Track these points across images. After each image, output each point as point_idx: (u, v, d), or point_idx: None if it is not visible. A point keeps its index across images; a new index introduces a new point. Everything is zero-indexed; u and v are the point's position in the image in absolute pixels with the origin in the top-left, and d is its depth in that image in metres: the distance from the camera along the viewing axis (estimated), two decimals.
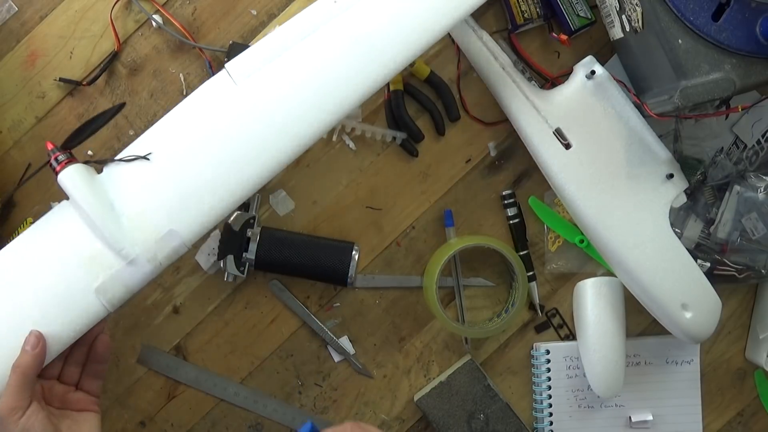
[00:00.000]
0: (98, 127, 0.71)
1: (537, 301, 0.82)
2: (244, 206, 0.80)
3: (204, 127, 0.67)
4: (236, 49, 0.80)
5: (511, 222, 0.82)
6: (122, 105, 0.74)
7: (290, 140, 0.67)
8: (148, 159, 0.67)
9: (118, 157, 0.68)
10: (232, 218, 0.78)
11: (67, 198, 0.67)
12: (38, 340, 0.64)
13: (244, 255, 0.78)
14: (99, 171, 0.68)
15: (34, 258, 0.68)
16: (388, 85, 0.80)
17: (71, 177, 0.66)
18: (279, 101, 0.67)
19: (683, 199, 0.76)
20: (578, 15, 0.79)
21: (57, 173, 0.67)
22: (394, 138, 0.81)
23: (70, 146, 0.69)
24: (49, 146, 0.68)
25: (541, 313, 0.83)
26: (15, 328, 0.65)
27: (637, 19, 0.71)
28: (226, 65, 0.68)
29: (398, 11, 0.67)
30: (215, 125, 0.67)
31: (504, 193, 0.82)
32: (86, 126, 0.71)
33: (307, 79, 0.67)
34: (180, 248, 0.67)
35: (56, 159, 0.67)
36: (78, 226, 0.67)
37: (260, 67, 0.67)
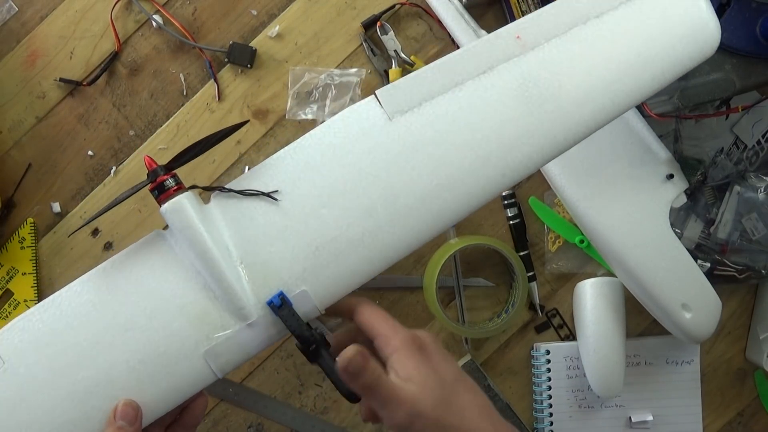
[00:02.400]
0: (210, 146, 0.60)
1: (537, 301, 0.82)
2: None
3: (348, 165, 0.57)
4: (236, 49, 0.80)
5: (511, 222, 0.82)
6: (245, 122, 0.63)
7: (454, 197, 0.56)
8: (275, 198, 0.56)
9: (230, 185, 0.57)
10: None
11: (164, 227, 0.57)
12: (136, 413, 0.54)
13: None
14: (206, 201, 0.58)
15: (125, 306, 0.56)
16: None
17: (179, 210, 0.55)
18: (444, 148, 0.57)
19: (683, 199, 0.76)
20: None
21: (161, 202, 0.56)
22: None
23: (174, 167, 0.58)
24: (151, 164, 0.57)
25: (541, 313, 0.83)
26: (100, 394, 0.55)
27: None
28: (377, 92, 0.58)
29: (603, 58, 0.57)
30: (363, 166, 0.56)
31: (504, 194, 0.82)
32: (198, 145, 0.60)
33: (478, 127, 0.57)
34: (311, 313, 0.56)
35: (162, 184, 0.56)
36: (184, 274, 0.56)
37: (420, 102, 0.57)
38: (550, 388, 0.82)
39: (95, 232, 0.82)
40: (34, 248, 0.81)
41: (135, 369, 0.55)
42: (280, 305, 0.55)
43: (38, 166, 0.82)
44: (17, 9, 0.82)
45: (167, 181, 0.56)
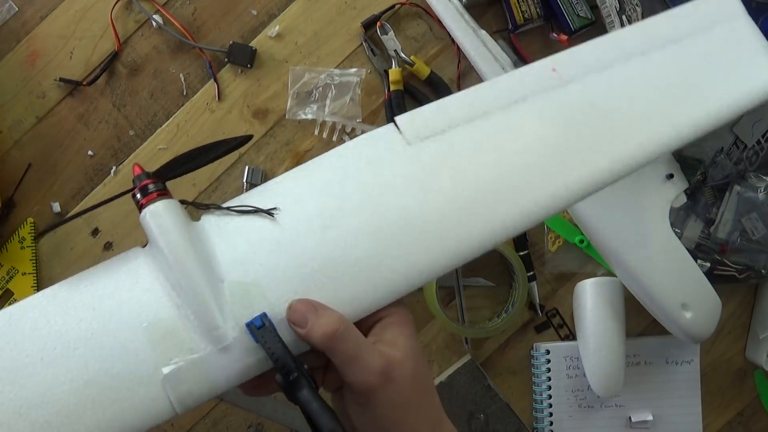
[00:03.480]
0: (209, 161, 0.55)
1: (537, 301, 0.82)
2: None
3: (359, 186, 0.52)
4: (236, 49, 0.80)
5: None
6: (248, 138, 0.57)
7: (470, 228, 0.52)
8: (272, 215, 0.51)
9: (228, 204, 0.52)
10: None
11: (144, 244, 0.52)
12: None
13: None
14: (196, 218, 0.53)
15: (82, 321, 0.49)
16: (388, 85, 0.80)
17: (159, 214, 0.50)
18: (464, 179, 0.52)
19: (683, 199, 0.76)
20: (578, 15, 0.79)
21: (141, 207, 0.51)
22: None
23: (164, 176, 0.54)
24: (137, 170, 0.53)
25: (541, 313, 0.83)
26: (32, 417, 0.46)
27: (637, 19, 0.71)
28: (396, 119, 0.54)
29: (646, 95, 0.54)
30: (372, 190, 0.52)
31: None
32: (193, 155, 0.55)
33: (505, 160, 0.53)
34: (299, 343, 0.49)
35: (144, 188, 0.51)
36: (157, 290, 0.49)
37: (443, 129, 0.53)
38: (550, 388, 0.82)
39: (95, 232, 0.82)
40: (34, 248, 0.81)
41: (79, 390, 0.47)
42: (261, 325, 0.47)
43: (38, 166, 0.82)
44: (17, 9, 0.82)
45: (149, 186, 0.51)
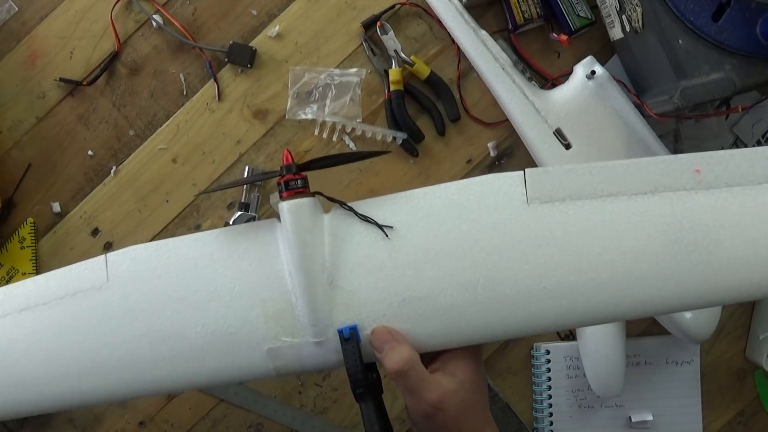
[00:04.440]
0: (345, 161, 0.64)
1: None
2: (245, 206, 0.80)
3: (467, 232, 0.54)
4: (236, 49, 0.80)
5: None
6: (386, 152, 0.70)
7: (555, 308, 0.53)
8: (386, 234, 0.56)
9: (352, 205, 0.57)
10: (232, 219, 0.79)
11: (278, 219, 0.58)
12: None
13: None
14: (325, 209, 0.58)
15: (219, 277, 0.57)
16: (388, 85, 0.80)
17: (301, 212, 0.56)
18: (567, 255, 0.53)
19: None
20: (578, 15, 0.79)
21: (284, 198, 0.57)
22: (394, 138, 0.81)
23: (308, 168, 0.59)
24: (288, 159, 0.58)
25: None
26: (169, 346, 0.57)
27: (637, 20, 0.71)
28: (527, 171, 0.55)
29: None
30: (481, 239, 0.54)
31: None
32: (336, 157, 0.63)
33: (612, 248, 0.52)
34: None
35: (290, 181, 0.57)
36: (278, 271, 0.57)
37: (566, 198, 0.53)
38: (550, 388, 0.82)
39: (95, 232, 0.82)
40: (34, 248, 0.81)
41: (204, 336, 0.56)
42: (348, 338, 0.55)
43: (38, 166, 0.82)
44: (17, 9, 0.82)
45: (296, 181, 0.57)
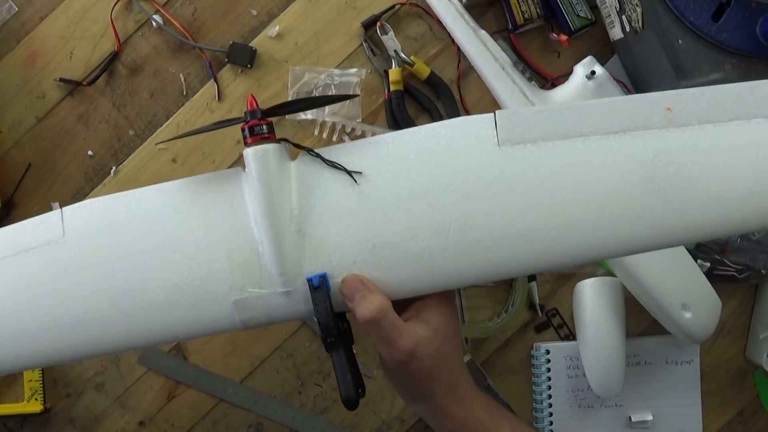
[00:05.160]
0: (311, 106, 0.63)
1: (537, 301, 0.82)
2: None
3: (437, 176, 0.53)
4: (236, 49, 0.80)
5: None
6: (354, 96, 0.70)
7: (528, 251, 0.53)
8: (355, 180, 0.54)
9: (320, 151, 0.56)
10: None
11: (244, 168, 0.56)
12: None
13: None
14: (292, 157, 0.57)
15: (181, 228, 0.56)
16: (388, 85, 0.80)
17: (266, 158, 0.54)
18: (539, 197, 0.52)
19: None
20: (578, 15, 0.79)
21: (248, 144, 0.55)
22: None
23: (273, 114, 0.58)
24: (253, 104, 0.56)
25: (541, 313, 0.83)
26: (130, 300, 0.55)
27: (637, 20, 0.71)
28: (497, 113, 0.54)
29: (754, 165, 0.51)
30: (452, 183, 0.53)
31: None
32: (303, 101, 0.63)
33: (585, 188, 0.52)
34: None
35: (255, 127, 0.55)
36: (243, 220, 0.55)
37: (536, 139, 0.53)
38: (550, 387, 0.82)
39: None
40: None
41: (167, 289, 0.55)
42: (318, 286, 0.53)
43: (38, 166, 0.82)
44: (17, 9, 0.82)
45: (261, 126, 0.55)
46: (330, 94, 0.81)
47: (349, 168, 0.54)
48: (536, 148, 0.53)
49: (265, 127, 0.55)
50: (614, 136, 0.52)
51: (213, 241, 0.55)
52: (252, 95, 0.57)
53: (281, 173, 0.55)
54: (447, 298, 0.57)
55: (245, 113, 0.56)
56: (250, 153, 0.55)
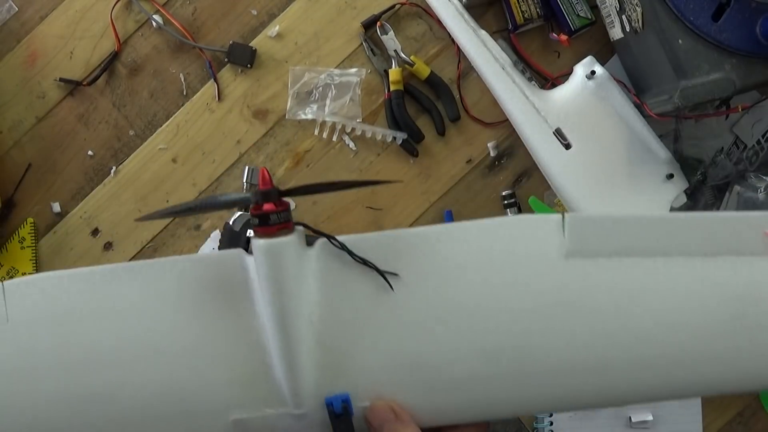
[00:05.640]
0: (337, 189, 0.53)
1: None
2: (245, 206, 0.80)
3: (491, 288, 0.45)
4: (236, 49, 0.80)
5: None
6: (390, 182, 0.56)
7: (593, 386, 0.45)
8: (389, 285, 0.44)
9: (345, 239, 0.45)
10: (232, 219, 0.78)
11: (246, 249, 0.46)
12: None
13: None
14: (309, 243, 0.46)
15: (167, 324, 0.45)
16: (388, 85, 0.80)
17: (282, 255, 0.44)
18: (610, 325, 0.44)
19: (683, 199, 0.76)
20: (578, 15, 0.79)
21: (259, 234, 0.44)
22: (394, 138, 0.81)
23: (290, 195, 0.45)
24: (266, 181, 0.44)
25: None
26: (94, 411, 0.44)
27: (637, 19, 0.71)
28: (567, 216, 0.45)
29: None
30: (508, 298, 0.45)
31: (504, 193, 0.82)
32: (324, 186, 0.52)
33: (665, 319, 0.45)
34: None
35: (268, 215, 0.43)
36: (249, 321, 0.45)
37: (611, 254, 0.45)
38: None
39: (95, 232, 0.82)
40: (34, 248, 0.81)
41: (145, 399, 0.44)
42: (340, 414, 0.44)
43: (38, 166, 0.82)
44: (17, 9, 0.82)
45: (275, 216, 0.43)
46: (332, 93, 0.81)
47: (382, 267, 0.44)
48: (610, 264, 0.45)
49: (282, 214, 0.44)
50: (702, 259, 0.45)
51: (208, 343, 0.45)
52: (265, 169, 0.45)
53: (299, 270, 0.44)
54: (482, 426, 0.48)
55: (255, 192, 0.44)
56: (262, 247, 0.43)
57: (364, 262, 0.44)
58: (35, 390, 0.45)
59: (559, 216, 0.45)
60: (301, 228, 0.46)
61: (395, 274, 0.44)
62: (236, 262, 0.46)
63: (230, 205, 0.48)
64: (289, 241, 0.44)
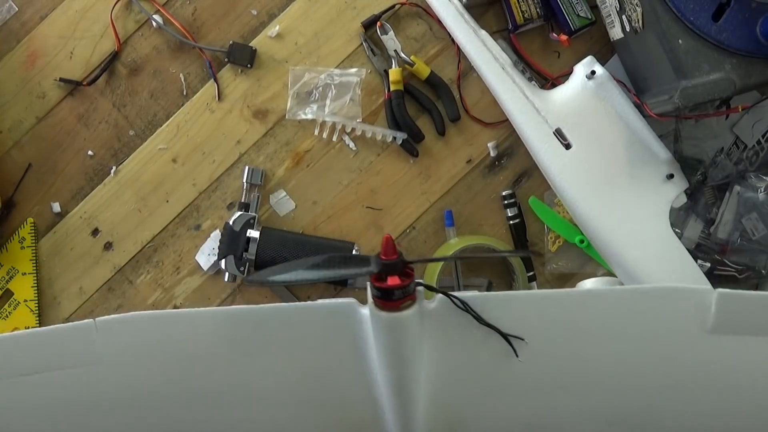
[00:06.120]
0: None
1: None
2: (244, 206, 0.80)
3: (624, 355, 0.42)
4: (236, 49, 0.80)
5: (511, 222, 0.82)
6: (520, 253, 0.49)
7: None
8: (515, 351, 0.41)
9: (469, 299, 0.42)
10: (232, 219, 0.78)
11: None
12: None
13: (244, 255, 0.78)
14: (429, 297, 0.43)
15: (256, 359, 0.43)
16: (388, 85, 0.80)
17: (404, 327, 0.41)
18: (752, 402, 0.43)
19: (683, 199, 0.76)
20: (578, 15, 0.79)
21: (381, 307, 0.41)
22: (394, 138, 0.81)
23: (414, 262, 0.43)
24: (390, 250, 0.41)
25: None
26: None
27: (637, 19, 0.71)
28: (719, 291, 0.43)
29: None
30: (641, 369, 0.42)
31: (504, 193, 0.82)
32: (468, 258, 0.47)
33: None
34: None
35: (399, 290, 0.40)
36: (363, 375, 0.43)
37: (757, 332, 0.42)
38: None
39: (95, 232, 0.82)
40: (34, 248, 0.81)
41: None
42: None
43: (38, 166, 0.82)
44: (17, 9, 0.82)
45: (400, 291, 0.40)
46: (332, 93, 0.81)
47: (506, 328, 0.41)
48: (754, 342, 0.42)
49: (410, 286, 0.40)
50: None
51: (320, 390, 0.43)
52: (390, 236, 0.40)
53: (418, 337, 0.41)
54: None
55: (378, 262, 0.40)
56: (383, 320, 0.41)
57: (489, 326, 0.41)
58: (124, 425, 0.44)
59: (708, 288, 0.42)
60: (421, 289, 0.42)
61: (521, 338, 0.41)
62: (350, 314, 0.43)
63: (350, 275, 0.44)
64: (412, 314, 0.40)
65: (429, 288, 0.43)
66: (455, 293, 0.42)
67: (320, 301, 0.44)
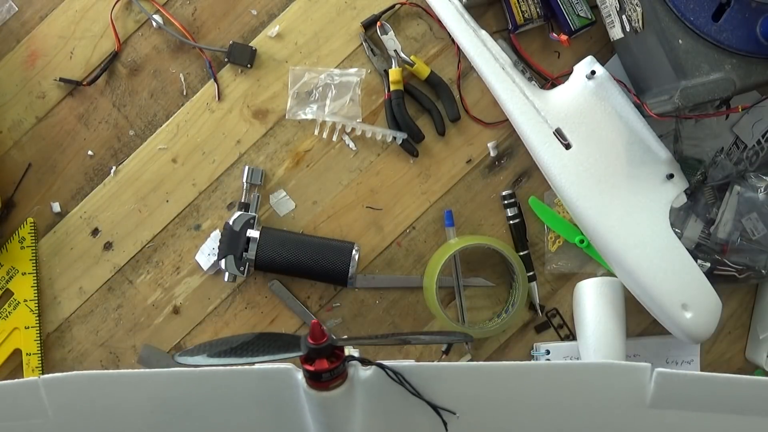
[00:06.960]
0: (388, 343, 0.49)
1: (537, 301, 0.82)
2: (244, 206, 0.80)
3: (569, 426, 0.43)
4: (236, 49, 0.80)
5: (511, 222, 0.82)
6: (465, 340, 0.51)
7: None
8: (444, 422, 0.42)
9: (401, 369, 0.42)
10: (232, 219, 0.79)
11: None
12: None
13: (244, 255, 0.78)
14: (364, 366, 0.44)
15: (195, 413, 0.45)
16: (388, 85, 0.80)
17: (336, 405, 0.42)
18: None
19: (683, 199, 0.76)
20: (578, 15, 0.79)
21: (313, 387, 0.42)
22: (394, 138, 0.81)
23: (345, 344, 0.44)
24: (318, 336, 0.42)
25: (541, 313, 0.83)
26: None
27: (637, 19, 0.71)
28: (658, 370, 0.46)
29: None
30: None
31: (504, 193, 0.82)
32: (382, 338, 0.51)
33: None
34: None
35: (326, 372, 0.41)
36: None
37: (694, 408, 0.46)
38: None
39: (95, 232, 0.82)
40: (34, 248, 0.81)
41: None
42: None
43: (38, 166, 0.82)
44: (17, 9, 0.82)
45: (326, 374, 0.41)
46: (332, 93, 0.81)
47: (441, 400, 0.41)
48: (687, 415, 0.46)
49: (339, 367, 0.41)
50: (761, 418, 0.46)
51: None
52: (317, 322, 0.41)
53: (350, 410, 0.42)
54: None
55: (306, 345, 0.41)
56: (314, 398, 0.42)
57: (421, 398, 0.41)
58: None
59: (647, 365, 0.45)
60: (355, 363, 0.43)
61: (453, 413, 0.42)
62: (286, 380, 0.44)
63: (278, 359, 0.45)
64: (342, 393, 0.41)
65: (363, 361, 0.43)
66: (390, 362, 0.42)
67: (257, 366, 0.45)
